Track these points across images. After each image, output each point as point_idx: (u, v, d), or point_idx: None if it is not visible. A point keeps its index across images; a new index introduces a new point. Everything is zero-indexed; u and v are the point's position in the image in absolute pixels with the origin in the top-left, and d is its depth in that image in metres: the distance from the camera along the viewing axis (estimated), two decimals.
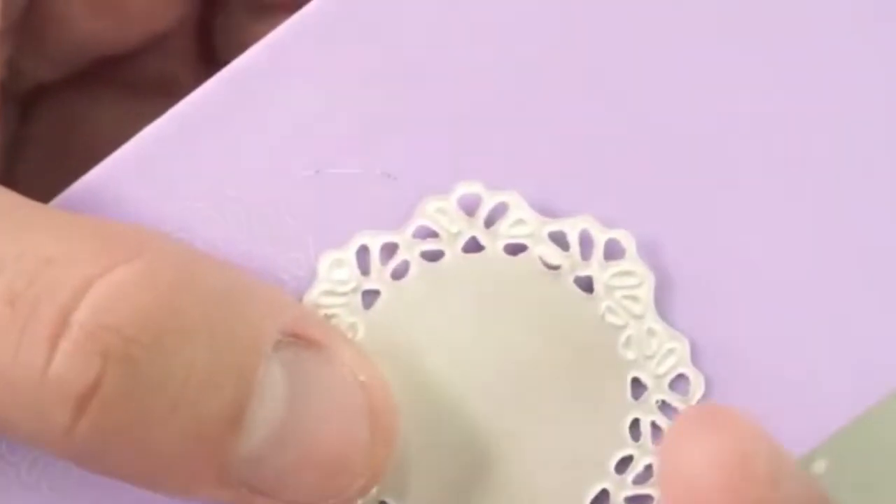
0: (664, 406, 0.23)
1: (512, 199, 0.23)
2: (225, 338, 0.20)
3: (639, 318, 0.23)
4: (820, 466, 0.24)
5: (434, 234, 0.23)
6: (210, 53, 0.30)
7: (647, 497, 0.23)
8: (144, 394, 0.19)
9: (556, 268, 0.23)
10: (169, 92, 0.29)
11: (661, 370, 0.23)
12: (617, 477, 0.23)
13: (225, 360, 0.20)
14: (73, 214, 0.21)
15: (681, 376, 0.23)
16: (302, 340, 0.21)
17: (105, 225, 0.21)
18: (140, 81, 0.29)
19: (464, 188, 0.23)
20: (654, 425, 0.23)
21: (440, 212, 0.23)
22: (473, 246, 0.23)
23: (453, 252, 0.23)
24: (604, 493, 0.23)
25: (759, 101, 0.23)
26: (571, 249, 0.23)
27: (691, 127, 0.23)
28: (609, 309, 0.23)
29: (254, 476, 0.20)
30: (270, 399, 0.20)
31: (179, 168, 0.23)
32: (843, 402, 0.23)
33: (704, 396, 0.23)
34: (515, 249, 0.23)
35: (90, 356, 0.19)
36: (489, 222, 0.23)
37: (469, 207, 0.23)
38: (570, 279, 0.23)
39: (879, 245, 0.23)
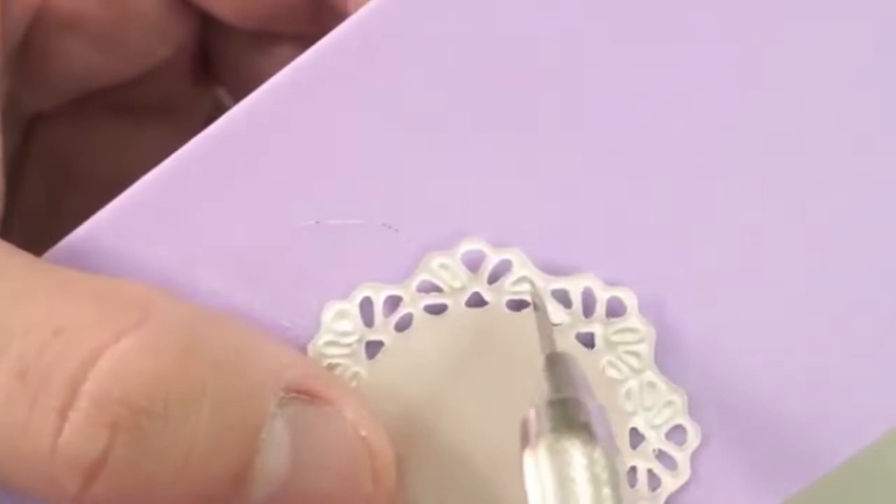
0: (661, 454, 0.23)
1: (515, 256, 0.23)
2: (229, 400, 0.20)
3: (639, 372, 0.23)
4: None
5: (437, 289, 0.23)
6: (208, 77, 0.30)
7: None
8: (151, 462, 0.20)
9: (558, 325, 0.23)
10: (168, 115, 0.30)
11: (659, 421, 0.23)
12: None
13: (229, 421, 0.20)
14: (76, 275, 0.21)
15: (678, 427, 0.23)
16: (306, 396, 0.21)
17: (109, 287, 0.21)
18: (139, 106, 0.29)
19: (467, 245, 0.23)
20: (650, 473, 0.23)
21: (443, 267, 0.23)
22: (477, 301, 0.23)
23: (457, 306, 0.23)
24: None
25: (762, 155, 0.23)
26: (574, 306, 0.23)
27: (693, 185, 0.23)
28: (610, 363, 0.23)
29: None
30: (274, 457, 0.21)
31: (178, 219, 0.23)
32: (836, 449, 0.24)
33: (701, 446, 0.23)
34: (518, 305, 0.23)
35: (99, 428, 0.19)
36: (492, 279, 0.23)
37: (472, 263, 0.23)
38: (572, 335, 0.23)
39: (877, 298, 0.24)
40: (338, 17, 0.25)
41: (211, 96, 0.31)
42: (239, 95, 0.22)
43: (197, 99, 0.30)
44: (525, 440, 0.21)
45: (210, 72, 0.30)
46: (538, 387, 0.21)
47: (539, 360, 0.22)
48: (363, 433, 0.22)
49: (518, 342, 0.23)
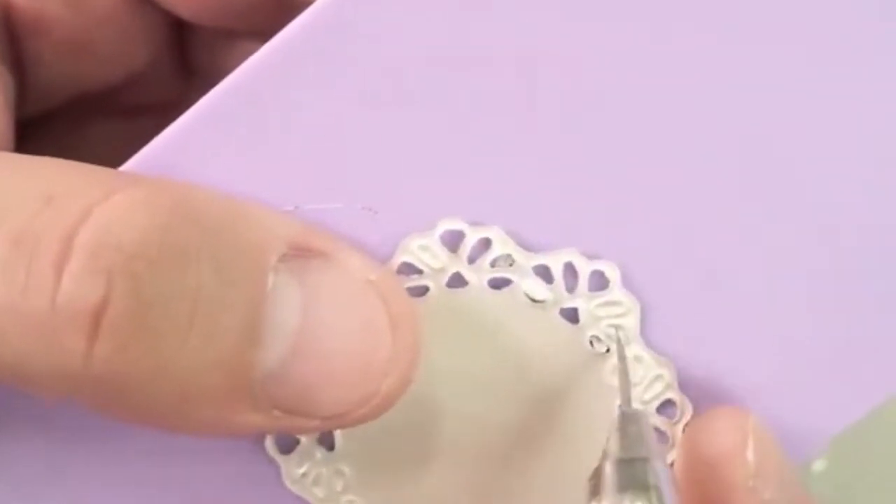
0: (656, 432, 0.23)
1: (495, 234, 0.23)
2: (230, 255, 0.20)
3: (624, 346, 0.23)
4: (819, 466, 0.24)
5: (418, 271, 0.23)
6: (192, 72, 0.30)
7: None
8: (154, 312, 0.19)
9: (541, 301, 0.23)
10: (159, 113, 0.29)
11: (648, 396, 0.23)
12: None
13: (232, 276, 0.20)
14: (67, 160, 0.21)
15: (668, 401, 0.23)
16: (308, 252, 0.21)
17: (101, 167, 0.21)
18: (130, 106, 0.29)
19: (446, 224, 0.23)
20: None
21: (423, 249, 0.23)
22: (458, 281, 0.23)
23: (438, 287, 0.23)
24: None
25: (739, 119, 0.23)
26: (556, 282, 0.23)
27: (672, 154, 0.23)
28: (595, 338, 0.23)
29: (281, 394, 0.20)
30: (284, 309, 0.20)
31: None
32: (831, 415, 0.23)
33: (692, 420, 0.23)
34: (500, 283, 0.23)
35: (95, 275, 0.19)
36: (472, 258, 0.23)
37: (452, 243, 0.23)
38: (556, 311, 0.23)
39: (864, 257, 0.23)
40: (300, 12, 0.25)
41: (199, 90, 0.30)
42: None
43: (186, 94, 0.30)
44: (593, 495, 0.21)
45: (191, 68, 0.30)
46: (607, 442, 0.21)
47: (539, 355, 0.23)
48: (372, 277, 0.21)
49: (500, 322, 0.23)
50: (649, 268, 0.23)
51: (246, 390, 0.20)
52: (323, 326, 0.20)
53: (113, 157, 0.27)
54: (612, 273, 0.23)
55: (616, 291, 0.23)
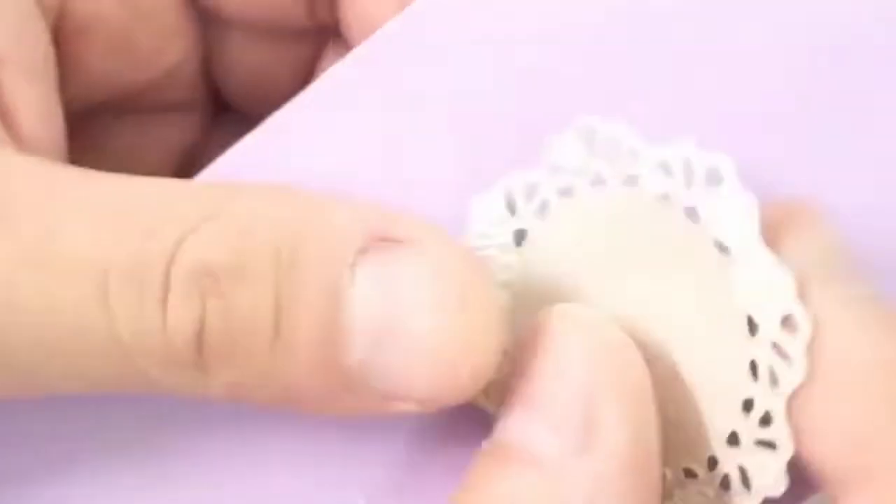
0: (775, 348, 0.20)
1: (621, 127, 0.22)
2: (306, 259, 0.21)
3: (745, 250, 0.20)
4: None
5: (562, 169, 0.23)
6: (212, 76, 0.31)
7: (772, 443, 0.21)
8: (243, 324, 0.21)
9: (665, 197, 0.21)
10: (178, 115, 0.31)
11: (771, 308, 0.20)
12: (744, 418, 0.21)
13: (309, 280, 0.21)
14: (146, 179, 0.23)
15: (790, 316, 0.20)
16: (387, 242, 0.21)
17: (180, 187, 0.23)
18: (151, 108, 0.30)
19: (580, 122, 0.22)
20: (770, 370, 0.20)
21: (565, 147, 0.23)
22: (597, 181, 0.22)
23: (583, 188, 0.23)
24: (734, 435, 0.21)
25: None
26: (675, 177, 0.21)
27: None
28: (717, 242, 0.21)
29: (376, 380, 0.21)
30: (363, 304, 0.21)
31: None
32: None
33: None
34: (630, 182, 0.22)
35: (191, 301, 0.21)
36: (607, 155, 0.22)
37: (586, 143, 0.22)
38: (681, 209, 0.21)
39: None
40: (333, 10, 0.25)
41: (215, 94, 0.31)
42: (238, 94, 0.23)
43: (205, 98, 0.31)
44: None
45: (212, 71, 0.30)
46: None
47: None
48: (450, 261, 0.21)
49: (638, 224, 0.22)
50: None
51: (341, 381, 0.21)
52: (402, 319, 0.21)
53: (128, 160, 0.30)
54: (728, 168, 0.21)
55: (733, 187, 0.20)
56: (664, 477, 0.22)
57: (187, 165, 0.31)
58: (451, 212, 0.23)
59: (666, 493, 0.22)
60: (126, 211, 0.22)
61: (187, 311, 0.21)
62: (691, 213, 0.21)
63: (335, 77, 0.25)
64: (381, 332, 0.21)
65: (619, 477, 0.20)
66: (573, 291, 0.23)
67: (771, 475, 0.21)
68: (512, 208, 0.23)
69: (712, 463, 0.22)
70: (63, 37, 0.27)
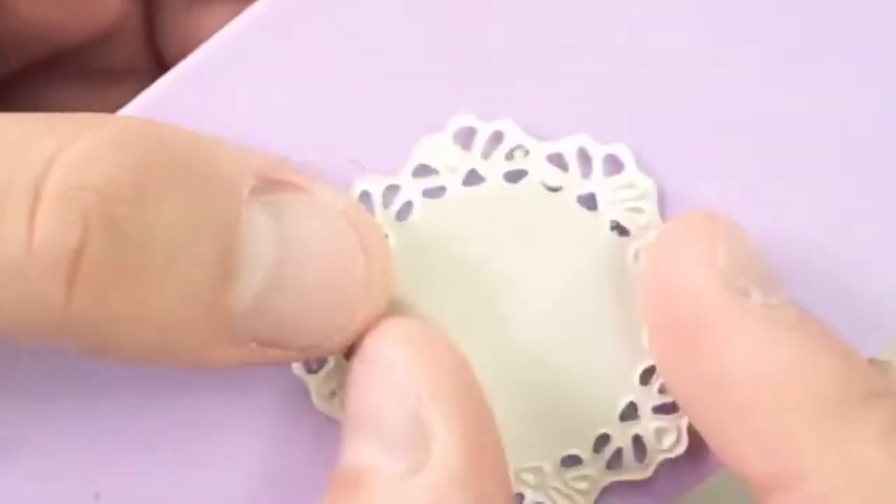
0: None
1: (506, 126, 0.23)
2: (201, 190, 0.20)
3: (645, 228, 0.23)
4: None
5: (434, 172, 0.23)
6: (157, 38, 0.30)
7: (672, 405, 0.23)
8: (133, 252, 0.19)
9: (557, 189, 0.23)
10: (120, 79, 0.29)
11: None
12: (642, 388, 0.23)
13: (205, 210, 0.20)
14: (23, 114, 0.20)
15: None
16: (279, 184, 0.21)
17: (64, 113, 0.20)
18: (100, 71, 0.29)
19: (457, 122, 0.23)
20: None
21: (436, 148, 0.23)
22: (474, 178, 0.23)
23: (454, 186, 0.23)
24: (631, 406, 0.23)
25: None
26: (570, 169, 0.23)
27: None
28: (614, 223, 0.23)
29: (259, 327, 0.20)
30: (258, 243, 0.20)
31: None
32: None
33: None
34: (515, 176, 0.23)
35: (70, 219, 0.18)
36: (486, 153, 0.23)
37: (464, 141, 0.23)
38: (573, 198, 0.23)
39: None
40: None
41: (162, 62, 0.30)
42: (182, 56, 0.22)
43: (149, 68, 0.30)
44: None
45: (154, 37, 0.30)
46: None
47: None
48: (341, 206, 0.21)
49: (520, 214, 0.23)
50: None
51: (224, 326, 0.20)
52: (298, 258, 0.20)
53: None
54: (627, 155, 0.23)
55: (632, 173, 0.23)
56: (541, 470, 0.23)
57: None
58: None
59: (540, 486, 0.23)
60: None
61: (62, 229, 0.18)
62: (588, 201, 0.23)
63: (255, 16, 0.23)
64: (272, 275, 0.20)
65: (458, 487, 0.20)
66: (445, 285, 0.23)
67: (671, 437, 0.23)
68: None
69: (600, 443, 0.23)
70: None
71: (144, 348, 0.20)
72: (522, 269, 0.23)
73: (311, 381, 0.23)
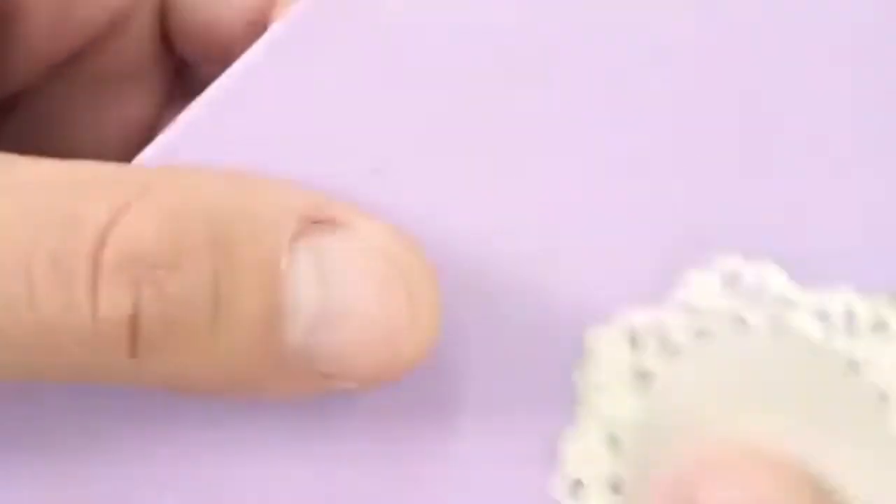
0: None
1: (771, 270, 0.22)
2: (242, 242, 0.21)
3: None
4: None
5: (697, 310, 0.22)
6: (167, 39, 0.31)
7: None
8: (180, 311, 0.20)
9: (820, 344, 0.22)
10: (137, 81, 0.31)
11: None
12: None
13: (247, 262, 0.21)
14: (75, 163, 0.22)
15: None
16: (321, 224, 0.21)
17: (110, 169, 0.22)
18: (107, 75, 0.30)
19: (723, 261, 0.22)
20: None
21: (704, 285, 0.22)
22: (738, 322, 0.22)
23: (721, 329, 0.22)
24: None
25: None
26: (834, 322, 0.22)
27: None
28: (877, 389, 0.22)
29: (314, 362, 0.21)
30: (302, 285, 0.21)
31: None
32: None
33: None
34: (777, 325, 0.22)
35: (123, 287, 0.20)
36: (751, 296, 0.22)
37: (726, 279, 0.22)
38: (838, 355, 0.22)
39: None
40: None
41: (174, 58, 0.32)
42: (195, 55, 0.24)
43: (162, 61, 0.31)
44: None
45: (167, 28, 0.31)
46: None
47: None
48: (386, 242, 0.22)
49: (786, 369, 0.22)
50: None
51: (277, 365, 0.21)
52: (342, 296, 0.21)
53: (93, 129, 0.29)
54: (892, 315, 0.22)
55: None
56: None
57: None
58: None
59: None
60: (51, 195, 0.21)
61: (119, 299, 0.20)
62: (851, 363, 0.22)
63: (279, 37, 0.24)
64: (321, 311, 0.21)
65: None
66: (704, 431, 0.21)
67: None
68: (635, 344, 0.22)
69: None
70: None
71: (211, 388, 0.22)
72: (789, 423, 0.22)
73: None
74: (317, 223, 0.21)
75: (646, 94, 0.23)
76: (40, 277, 0.20)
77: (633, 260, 0.22)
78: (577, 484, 0.22)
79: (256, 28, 0.28)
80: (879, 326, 0.22)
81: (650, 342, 0.22)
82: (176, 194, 0.21)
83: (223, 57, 0.26)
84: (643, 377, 0.22)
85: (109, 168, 0.22)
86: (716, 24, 0.23)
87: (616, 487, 0.22)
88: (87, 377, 0.21)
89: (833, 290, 0.22)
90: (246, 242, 0.21)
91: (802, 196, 0.23)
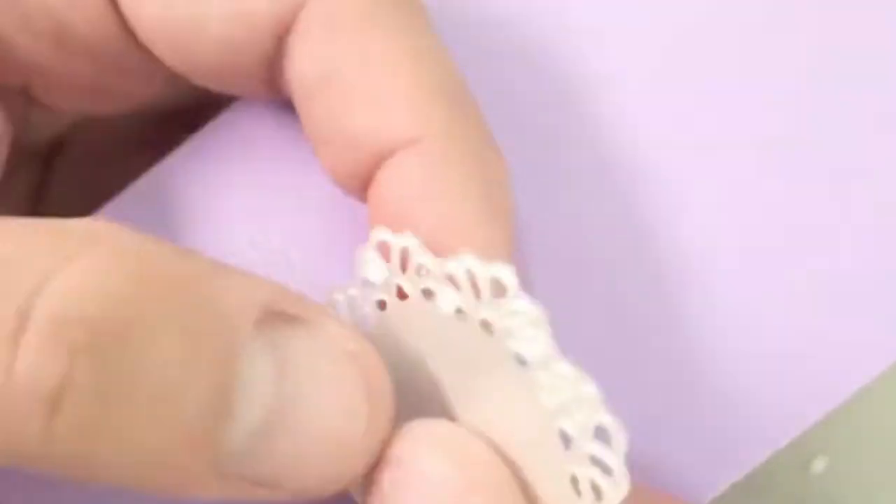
0: (594, 461, 0.19)
1: (411, 242, 0.21)
2: (199, 323, 0.18)
3: (544, 361, 0.19)
4: (819, 465, 0.18)
5: (371, 285, 0.22)
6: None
7: None
8: (119, 388, 0.18)
9: (461, 312, 0.20)
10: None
11: (581, 419, 0.19)
12: None
13: (202, 346, 0.18)
14: (22, 218, 0.19)
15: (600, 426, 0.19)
16: (282, 318, 0.19)
17: (58, 222, 0.19)
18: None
19: (377, 235, 0.21)
20: (592, 484, 0.19)
21: (370, 261, 0.21)
22: (400, 293, 0.21)
23: (391, 300, 0.21)
24: None
25: None
26: (463, 290, 0.20)
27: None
28: (514, 353, 0.19)
29: (251, 468, 0.19)
30: (257, 383, 0.19)
31: None
32: None
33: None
34: (427, 294, 0.21)
35: (56, 350, 0.17)
36: (402, 268, 0.21)
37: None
38: (477, 322, 0.20)
39: None
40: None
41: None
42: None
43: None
44: None
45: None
46: None
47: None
48: (349, 346, 0.20)
49: (436, 336, 0.21)
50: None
51: (212, 464, 0.19)
52: (298, 401, 0.19)
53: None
54: (510, 278, 0.19)
55: (518, 299, 0.19)
56: None
57: None
58: None
59: None
60: None
61: (46, 364, 0.17)
62: (485, 326, 0.20)
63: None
64: (268, 417, 0.19)
65: None
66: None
67: None
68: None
69: None
70: (37, 89, 0.25)
71: (127, 480, 0.19)
72: (455, 396, 0.21)
73: None
74: (281, 316, 0.19)
75: None
76: None
77: None
78: None
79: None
80: (498, 290, 0.19)
81: (347, 315, 0.22)
82: (131, 257, 0.18)
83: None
84: None
85: (47, 221, 0.19)
86: None
87: None
88: None
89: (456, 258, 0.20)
90: (203, 326, 0.18)
91: None
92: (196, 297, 0.19)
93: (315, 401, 0.19)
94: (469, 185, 0.21)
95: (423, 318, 0.21)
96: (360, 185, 0.23)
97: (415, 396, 0.21)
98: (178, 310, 0.18)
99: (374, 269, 0.21)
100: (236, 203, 0.24)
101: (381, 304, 0.22)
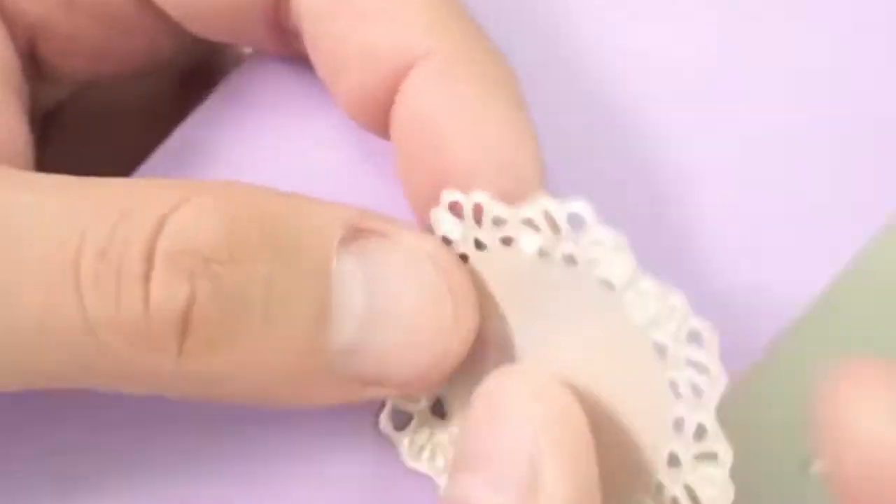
0: (690, 363, 0.21)
1: (483, 197, 0.22)
2: (294, 244, 0.21)
3: (629, 281, 0.21)
4: (819, 465, 0.19)
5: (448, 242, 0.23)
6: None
7: (711, 454, 0.21)
8: (234, 306, 0.21)
9: (545, 254, 0.22)
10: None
11: (672, 328, 0.21)
12: (678, 437, 0.21)
13: (298, 263, 0.21)
14: (124, 179, 0.23)
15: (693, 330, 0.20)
16: (366, 232, 0.22)
17: (163, 178, 0.23)
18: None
19: (447, 196, 0.23)
20: (692, 385, 0.21)
21: (441, 220, 0.23)
22: (479, 246, 0.23)
23: (472, 253, 0.23)
24: (674, 456, 0.21)
25: None
26: (542, 231, 0.21)
27: None
28: (600, 280, 0.21)
29: (356, 367, 0.22)
30: (349, 289, 0.21)
31: None
32: None
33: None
34: (506, 243, 0.22)
35: (179, 279, 0.20)
36: (477, 223, 0.22)
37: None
38: (559, 257, 0.21)
39: None
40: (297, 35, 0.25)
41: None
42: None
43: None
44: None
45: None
46: None
47: None
48: (426, 250, 0.22)
49: (530, 278, 0.22)
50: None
51: (323, 367, 0.22)
52: (387, 301, 0.22)
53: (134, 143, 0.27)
54: (588, 213, 0.21)
55: (597, 230, 0.21)
56: None
57: None
58: None
59: None
60: (100, 190, 0.21)
61: (173, 291, 0.20)
62: (569, 260, 0.21)
63: None
64: (367, 315, 0.21)
65: None
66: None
67: (717, 485, 0.21)
68: None
69: (659, 489, 0.22)
70: (43, 52, 0.26)
71: (250, 393, 0.22)
72: (545, 333, 0.22)
73: (400, 438, 0.24)
74: (363, 231, 0.22)
75: None
76: (87, 273, 0.20)
77: None
78: (400, 414, 0.24)
79: None
80: (576, 224, 0.21)
81: None
82: (230, 196, 0.21)
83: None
84: None
85: (152, 178, 0.23)
86: None
87: (437, 410, 0.25)
88: (126, 382, 0.21)
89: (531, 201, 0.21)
90: (297, 245, 0.21)
91: None
92: (288, 221, 0.21)
93: (403, 297, 0.22)
94: (490, 89, 0.23)
95: (505, 267, 0.22)
96: (379, 109, 0.24)
97: (499, 346, 0.23)
98: (274, 232, 0.21)
99: (450, 225, 0.23)
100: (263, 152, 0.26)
101: (463, 259, 0.23)
